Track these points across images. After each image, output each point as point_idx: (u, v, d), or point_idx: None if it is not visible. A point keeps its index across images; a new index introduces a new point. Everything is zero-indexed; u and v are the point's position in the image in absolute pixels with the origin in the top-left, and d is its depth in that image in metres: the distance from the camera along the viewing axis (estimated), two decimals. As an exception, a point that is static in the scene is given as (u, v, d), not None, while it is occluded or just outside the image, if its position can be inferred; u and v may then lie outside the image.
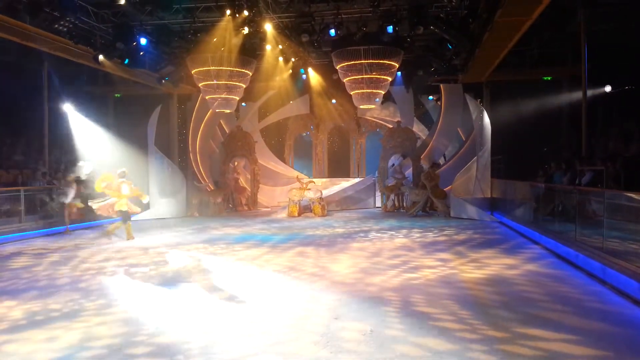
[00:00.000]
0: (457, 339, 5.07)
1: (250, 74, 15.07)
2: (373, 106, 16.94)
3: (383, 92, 15.88)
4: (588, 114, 14.23)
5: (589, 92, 14.76)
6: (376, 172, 19.99)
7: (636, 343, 5.00)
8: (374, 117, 22.59)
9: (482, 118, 16.46)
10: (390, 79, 15.01)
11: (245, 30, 13.41)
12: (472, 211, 15.73)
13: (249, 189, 20.15)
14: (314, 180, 18.85)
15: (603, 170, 10.11)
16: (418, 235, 12.47)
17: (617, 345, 4.88)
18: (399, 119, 20.12)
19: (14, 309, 6.31)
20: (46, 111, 17.70)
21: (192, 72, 14.74)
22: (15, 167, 15.80)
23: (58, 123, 20.77)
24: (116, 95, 21.73)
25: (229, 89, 15.23)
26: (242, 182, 20.54)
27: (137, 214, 12.94)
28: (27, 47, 14.16)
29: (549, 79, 19.41)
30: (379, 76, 14.55)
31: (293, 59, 17.10)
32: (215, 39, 13.87)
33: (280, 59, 16.65)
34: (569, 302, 6.40)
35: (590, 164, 11.60)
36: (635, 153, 11.47)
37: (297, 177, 18.80)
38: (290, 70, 17.90)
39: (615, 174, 10.45)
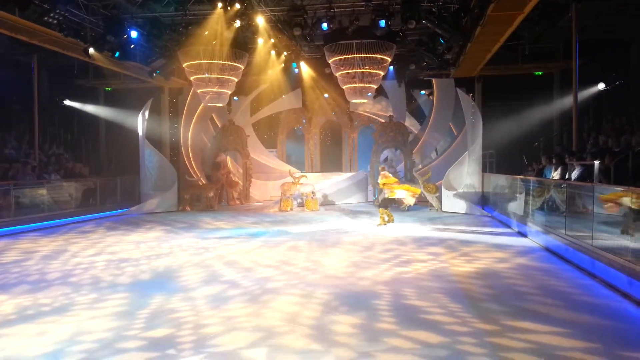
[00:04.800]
0: (447, 331, 5.11)
1: (242, 67, 15.01)
2: (365, 100, 16.94)
3: (375, 87, 15.87)
4: (579, 109, 14.32)
5: (581, 87, 14.86)
6: (368, 167, 20.01)
7: (624, 335, 5.06)
8: (366, 112, 22.59)
9: (473, 112, 16.51)
10: (382, 73, 15.01)
11: (237, 23, 13.35)
12: (463, 205, 15.81)
13: (241, 183, 20.12)
14: (306, 174, 18.84)
15: (593, 164, 10.17)
16: (409, 229, 12.52)
17: (605, 337, 4.95)
18: (391, 113, 20.13)
19: (4, 304, 6.27)
20: (36, 104, 17.53)
21: (184, 65, 14.65)
22: (6, 161, 15.65)
23: (48, 116, 20.68)
24: (107, 88, 21.59)
25: (221, 83, 15.16)
26: (234, 176, 20.49)
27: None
28: (17, 40, 14.01)
29: (541, 73, 19.52)
30: (371, 70, 14.54)
31: (285, 53, 17.02)
32: (206, 32, 13.79)
33: (273, 52, 16.58)
34: (559, 295, 6.46)
35: (581, 159, 11.68)
36: (625, 147, 11.56)
37: (289, 171, 18.79)
38: (283, 64, 17.83)
39: (605, 169, 10.53)
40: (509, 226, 12.72)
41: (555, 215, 9.94)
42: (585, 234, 8.16)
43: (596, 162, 9.90)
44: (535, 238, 10.43)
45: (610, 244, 7.31)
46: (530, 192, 11.53)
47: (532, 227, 10.80)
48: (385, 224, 12.96)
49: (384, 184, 12.99)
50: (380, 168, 13.90)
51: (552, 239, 9.37)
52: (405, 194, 12.83)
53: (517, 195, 12.67)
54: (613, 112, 16.36)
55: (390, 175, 13.44)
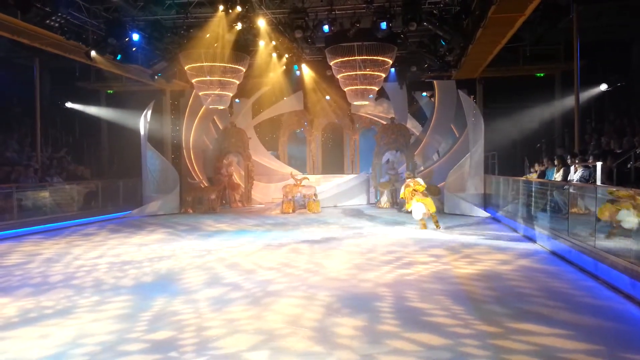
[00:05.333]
0: (450, 334, 5.10)
1: (244, 70, 15.02)
2: (367, 102, 16.94)
3: (377, 89, 15.87)
4: (580, 110, 14.31)
5: (582, 89, 14.85)
6: (370, 169, 20.01)
7: (627, 337, 5.05)
8: (368, 114, 22.57)
9: (475, 114, 16.50)
10: (384, 75, 15.01)
11: (239, 26, 13.35)
12: (465, 207, 15.79)
13: (243, 186, 20.12)
14: (308, 176, 18.84)
15: (596, 166, 10.16)
16: (411, 231, 12.50)
17: (608, 339, 4.93)
18: (393, 115, 20.13)
19: (7, 306, 6.28)
20: (38, 107, 17.57)
21: (185, 68, 14.68)
22: (8, 164, 15.68)
23: (50, 119, 20.72)
24: (109, 91, 21.64)
25: (223, 85, 15.18)
26: (236, 178, 20.50)
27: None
28: (18, 43, 14.04)
29: (542, 75, 19.51)
30: (372, 72, 14.54)
31: (287, 55, 17.04)
32: (208, 35, 13.81)
33: (274, 55, 16.60)
34: (562, 297, 6.45)
35: (583, 160, 11.67)
36: (627, 148, 11.54)
37: (291, 173, 18.79)
38: (284, 67, 17.85)
39: (608, 170, 10.51)
40: (511, 228, 12.71)
41: (557, 217, 9.92)
42: (588, 236, 8.14)
43: (599, 164, 9.89)
44: (538, 240, 10.42)
45: (613, 246, 7.29)
46: (532, 194, 11.52)
47: (534, 228, 10.79)
48: (425, 227, 12.38)
49: (405, 195, 12.55)
50: (406, 175, 13.18)
51: (555, 241, 9.35)
52: (419, 211, 12.16)
53: (519, 196, 12.65)
54: (615, 113, 16.34)
55: (419, 183, 12.47)
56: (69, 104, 21.50)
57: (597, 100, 18.47)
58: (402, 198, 12.67)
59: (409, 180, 12.72)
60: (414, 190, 12.35)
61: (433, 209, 12.25)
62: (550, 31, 13.81)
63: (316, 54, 17.64)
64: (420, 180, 12.75)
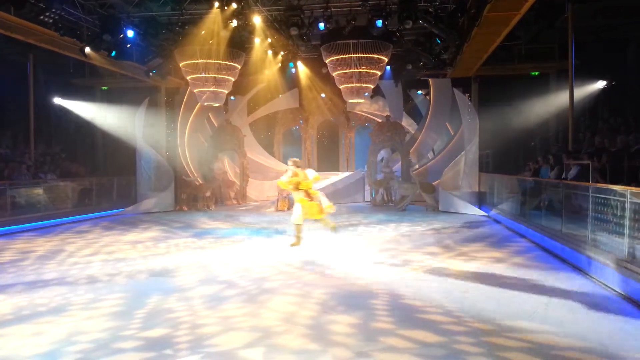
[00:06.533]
0: (444, 331, 5.10)
1: (239, 67, 14.99)
2: (362, 100, 16.94)
3: (372, 87, 15.87)
4: (575, 109, 14.38)
5: (576, 88, 14.92)
6: (365, 166, 20.03)
7: (620, 334, 5.07)
8: (363, 112, 22.60)
9: (470, 112, 16.54)
10: (379, 73, 15.01)
11: (234, 23, 13.32)
12: (460, 205, 15.82)
13: (238, 183, 20.10)
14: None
15: (589, 164, 10.21)
16: (407, 229, 12.52)
17: (601, 336, 4.95)
18: (388, 113, 20.16)
19: (1, 304, 6.23)
20: (32, 104, 17.47)
21: (180, 65, 14.62)
22: (1, 161, 15.58)
23: (44, 116, 20.60)
24: (103, 87, 21.53)
25: (218, 83, 15.13)
26: (231, 175, 20.46)
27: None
28: (12, 39, 13.95)
29: (537, 74, 19.57)
30: (368, 70, 14.54)
31: (282, 53, 17.02)
32: (203, 32, 13.76)
33: (269, 52, 16.58)
34: (555, 294, 6.47)
35: (577, 159, 11.72)
36: (621, 147, 11.60)
37: (286, 171, 18.77)
38: (280, 64, 17.83)
39: (601, 168, 10.57)
40: (506, 226, 12.74)
41: (551, 215, 9.95)
42: (581, 234, 8.17)
43: (591, 163, 9.94)
44: (532, 237, 10.46)
45: (606, 244, 7.32)
46: (527, 192, 11.57)
47: (528, 226, 10.83)
48: (299, 243, 9.96)
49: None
50: (290, 162, 9.97)
51: (549, 239, 9.40)
52: (296, 215, 9.92)
53: (514, 195, 12.71)
54: (609, 111, 16.41)
55: (308, 177, 9.72)
56: (62, 101, 21.34)
57: (592, 98, 18.53)
58: (280, 186, 9.83)
59: (297, 169, 9.80)
60: (298, 186, 9.71)
61: (317, 216, 9.81)
62: (545, 30, 13.85)
63: (312, 51, 17.63)
64: (311, 172, 9.90)
